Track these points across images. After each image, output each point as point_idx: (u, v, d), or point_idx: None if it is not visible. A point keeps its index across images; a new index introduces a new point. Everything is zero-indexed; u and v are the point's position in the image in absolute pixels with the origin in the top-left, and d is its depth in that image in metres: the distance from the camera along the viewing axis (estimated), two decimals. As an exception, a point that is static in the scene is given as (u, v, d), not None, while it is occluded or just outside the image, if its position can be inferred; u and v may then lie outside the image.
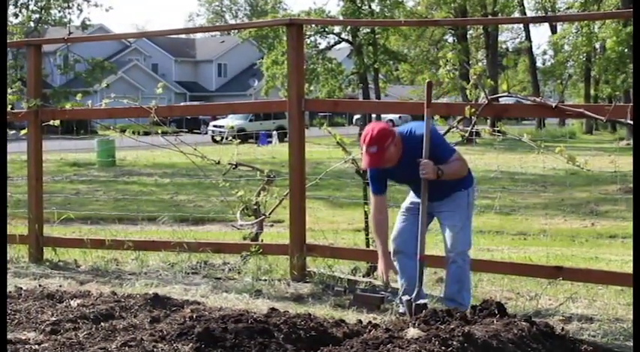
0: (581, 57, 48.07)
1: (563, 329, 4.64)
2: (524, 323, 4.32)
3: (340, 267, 7.18)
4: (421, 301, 5.19)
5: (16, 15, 40.52)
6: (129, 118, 8.19)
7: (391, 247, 5.54)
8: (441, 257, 5.86)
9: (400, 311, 5.49)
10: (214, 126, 42.26)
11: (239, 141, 7.83)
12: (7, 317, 5.05)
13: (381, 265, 5.50)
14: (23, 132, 8.12)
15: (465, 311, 4.62)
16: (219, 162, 7.56)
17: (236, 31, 51.34)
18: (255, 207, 7.49)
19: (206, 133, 43.05)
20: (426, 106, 5.37)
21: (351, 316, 5.62)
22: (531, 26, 55.32)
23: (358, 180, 7.61)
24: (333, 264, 7.15)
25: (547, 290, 6.38)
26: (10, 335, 4.57)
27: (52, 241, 8.13)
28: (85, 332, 4.71)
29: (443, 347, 3.91)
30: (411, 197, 5.57)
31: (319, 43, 46.42)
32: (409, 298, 5.27)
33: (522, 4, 50.33)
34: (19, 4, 40.66)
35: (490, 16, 44.60)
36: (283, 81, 37.95)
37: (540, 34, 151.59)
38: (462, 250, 5.37)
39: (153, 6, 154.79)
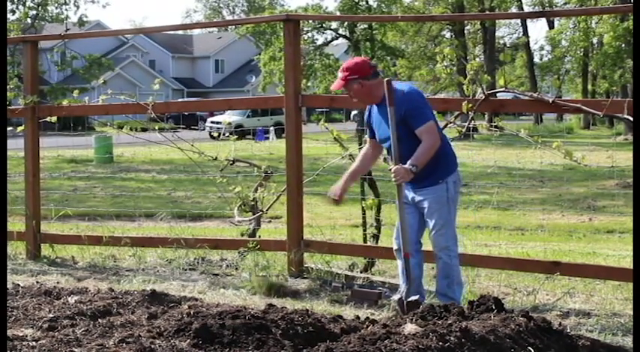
0: (579, 52, 48.16)
1: (560, 324, 4.64)
2: (521, 318, 4.31)
3: (338, 263, 7.18)
4: (412, 298, 5.17)
5: (12, 11, 40.44)
6: (126, 115, 8.18)
7: (394, 245, 5.54)
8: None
9: (396, 308, 5.48)
10: (212, 122, 42.25)
11: (236, 137, 7.83)
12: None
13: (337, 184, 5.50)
14: (20, 128, 8.11)
15: (462, 307, 4.62)
16: (216, 159, 7.55)
17: (233, 27, 51.32)
18: (253, 203, 7.49)
19: (203, 129, 42.98)
20: (389, 105, 5.18)
21: (348, 312, 5.62)
22: (529, 21, 55.30)
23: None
24: (331, 260, 7.15)
25: (544, 286, 6.38)
26: (7, 332, 4.57)
27: (50, 238, 8.13)
28: (83, 329, 4.70)
29: (440, 343, 3.91)
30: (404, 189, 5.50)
31: (316, 39, 46.42)
32: (400, 297, 5.26)
33: (520, 0, 50.36)
34: (15, 1, 40.58)
35: (487, 12, 44.63)
36: (281, 77, 37.90)
37: (538, 30, 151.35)
38: (446, 246, 5.36)
39: (150, 2, 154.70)
